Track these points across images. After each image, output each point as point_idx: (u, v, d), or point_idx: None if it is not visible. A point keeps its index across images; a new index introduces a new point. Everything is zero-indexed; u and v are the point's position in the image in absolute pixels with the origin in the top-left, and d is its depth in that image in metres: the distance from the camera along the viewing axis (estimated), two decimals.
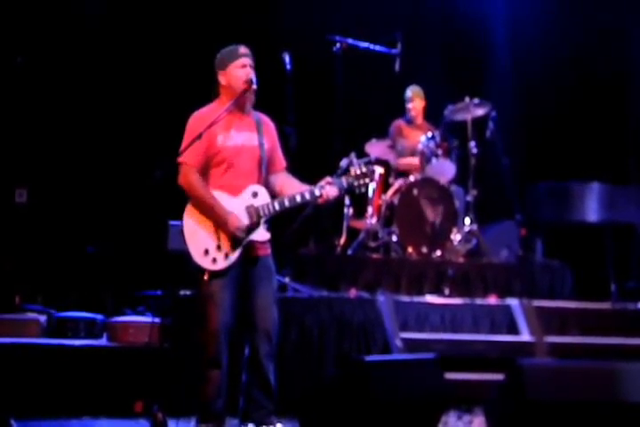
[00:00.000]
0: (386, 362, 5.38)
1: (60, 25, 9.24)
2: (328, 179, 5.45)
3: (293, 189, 5.50)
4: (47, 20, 9.22)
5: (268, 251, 5.53)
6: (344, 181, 5.46)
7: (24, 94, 9.03)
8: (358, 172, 5.45)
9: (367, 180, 5.44)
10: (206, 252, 5.34)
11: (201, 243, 5.36)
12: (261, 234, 5.42)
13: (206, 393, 5.38)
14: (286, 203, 5.41)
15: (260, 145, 5.51)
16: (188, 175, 5.40)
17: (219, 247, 5.34)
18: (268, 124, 5.67)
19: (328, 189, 5.39)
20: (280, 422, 5.53)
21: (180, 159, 5.40)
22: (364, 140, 8.83)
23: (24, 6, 9.14)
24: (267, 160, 5.51)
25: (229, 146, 5.45)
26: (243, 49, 5.58)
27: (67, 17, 9.31)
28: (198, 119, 5.47)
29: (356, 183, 5.47)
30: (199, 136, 5.32)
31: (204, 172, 5.45)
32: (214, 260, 5.34)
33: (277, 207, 5.40)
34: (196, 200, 5.40)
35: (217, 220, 5.35)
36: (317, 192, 5.38)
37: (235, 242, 5.35)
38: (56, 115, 9.14)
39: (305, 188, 5.48)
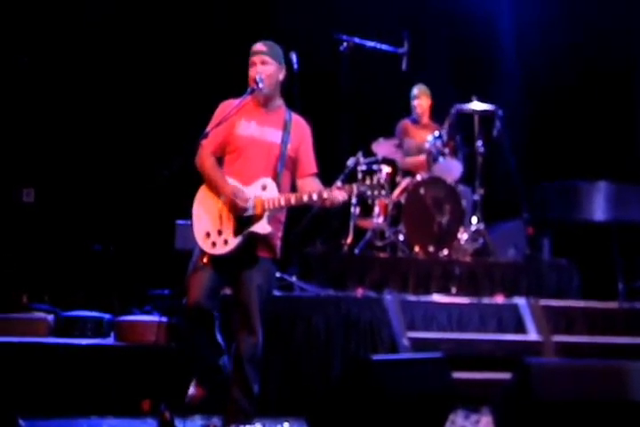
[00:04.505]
0: (393, 361, 5.37)
1: (66, 24, 9.26)
2: (338, 184, 5.47)
3: (310, 190, 5.50)
4: (52, 19, 9.24)
5: (270, 254, 5.50)
6: (355, 187, 5.40)
7: (30, 94, 9.05)
8: (375, 182, 5.38)
9: (383, 192, 5.40)
10: (208, 235, 5.38)
11: (204, 225, 5.40)
12: (263, 226, 5.39)
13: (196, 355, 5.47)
14: (292, 200, 5.39)
15: (283, 142, 5.52)
16: (202, 156, 5.49)
17: (220, 232, 5.36)
18: (301, 126, 5.65)
19: (337, 193, 5.37)
20: (287, 421, 5.54)
21: (200, 141, 5.46)
22: (370, 140, 8.82)
23: (28, 6, 9.16)
24: (287, 158, 5.52)
25: (243, 135, 5.49)
26: (254, 47, 5.60)
27: (73, 15, 9.33)
28: (225, 106, 5.55)
29: (369, 192, 5.39)
30: (219, 123, 5.40)
31: (222, 157, 5.53)
32: (214, 244, 5.36)
33: (283, 203, 5.39)
34: (205, 178, 5.47)
35: (218, 191, 5.39)
36: (325, 195, 5.35)
37: (237, 229, 5.35)
38: (63, 115, 9.16)
39: (316, 189, 5.49)
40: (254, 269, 5.43)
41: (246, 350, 5.38)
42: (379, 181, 5.38)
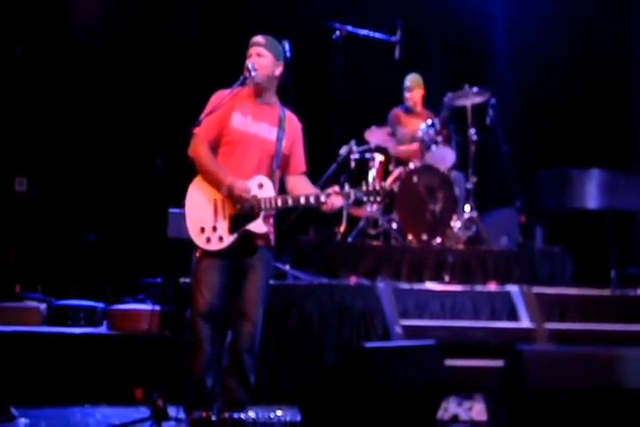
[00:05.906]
0: (386, 349, 5.37)
1: (59, 12, 9.24)
2: (336, 188, 5.41)
3: (302, 190, 5.49)
4: (46, 7, 9.21)
5: (266, 242, 5.48)
6: (353, 193, 5.38)
7: (23, 83, 9.02)
8: (371, 188, 5.39)
9: (378, 198, 5.39)
10: (202, 230, 5.36)
11: (199, 220, 5.37)
12: (258, 226, 5.37)
13: (192, 375, 5.34)
14: (289, 202, 5.37)
15: (278, 140, 5.49)
16: (197, 146, 5.43)
17: (214, 228, 5.34)
18: (294, 123, 5.65)
19: (334, 198, 5.35)
20: (280, 408, 5.54)
21: (194, 130, 5.43)
22: (363, 128, 8.81)
23: None
24: (281, 156, 5.50)
25: (240, 130, 5.46)
26: (253, 39, 5.58)
27: (67, 3, 9.31)
28: (218, 95, 5.51)
29: (364, 199, 5.40)
30: (211, 111, 5.38)
31: (215, 148, 5.48)
32: (208, 239, 5.34)
33: (280, 204, 5.36)
34: (201, 169, 5.42)
35: (217, 184, 5.34)
36: (323, 199, 5.34)
37: (232, 226, 5.34)
38: (56, 103, 9.13)
39: (312, 191, 5.48)
40: (255, 259, 5.42)
41: (245, 341, 5.37)
42: (374, 187, 5.39)
